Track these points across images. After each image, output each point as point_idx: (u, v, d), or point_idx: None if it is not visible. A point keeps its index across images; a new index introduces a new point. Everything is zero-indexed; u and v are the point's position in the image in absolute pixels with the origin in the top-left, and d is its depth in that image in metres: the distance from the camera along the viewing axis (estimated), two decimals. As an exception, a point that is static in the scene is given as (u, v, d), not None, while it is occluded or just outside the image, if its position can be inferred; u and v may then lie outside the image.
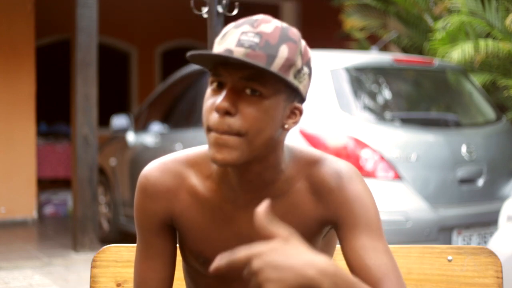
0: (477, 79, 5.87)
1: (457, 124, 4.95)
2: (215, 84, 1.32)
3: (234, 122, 1.28)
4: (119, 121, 6.42)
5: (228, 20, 2.78)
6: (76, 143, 6.20)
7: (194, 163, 1.45)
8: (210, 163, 1.43)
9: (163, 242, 1.47)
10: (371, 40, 7.47)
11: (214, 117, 1.29)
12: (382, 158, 4.29)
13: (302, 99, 1.36)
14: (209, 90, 1.34)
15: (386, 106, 4.87)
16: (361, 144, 4.28)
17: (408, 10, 7.16)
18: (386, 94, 4.98)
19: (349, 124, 4.38)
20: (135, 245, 1.74)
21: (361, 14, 7.59)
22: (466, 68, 5.67)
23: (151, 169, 1.46)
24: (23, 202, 7.97)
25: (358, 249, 1.34)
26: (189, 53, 1.30)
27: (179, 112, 6.32)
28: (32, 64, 8.01)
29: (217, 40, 1.35)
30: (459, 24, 6.09)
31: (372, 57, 5.11)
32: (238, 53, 1.28)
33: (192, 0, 2.74)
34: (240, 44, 1.28)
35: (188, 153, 1.47)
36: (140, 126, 6.51)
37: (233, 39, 1.30)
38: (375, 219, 1.38)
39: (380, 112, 4.71)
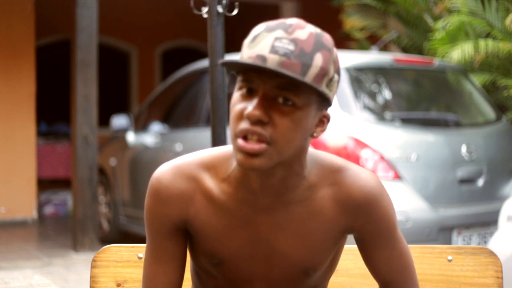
0: (477, 79, 5.87)
1: (457, 124, 4.95)
2: (244, 90, 1.28)
3: (265, 131, 1.26)
4: (119, 121, 6.41)
5: (228, 20, 2.78)
6: (76, 143, 6.20)
7: (209, 166, 1.41)
8: (227, 166, 1.40)
9: (174, 246, 1.44)
10: (371, 40, 7.47)
11: (244, 125, 1.26)
12: (382, 158, 4.29)
13: (329, 106, 1.35)
14: (237, 95, 1.30)
15: (386, 106, 4.87)
16: (361, 144, 4.28)
17: (408, 10, 7.16)
18: (386, 94, 4.98)
19: (349, 124, 4.38)
20: (135, 245, 1.74)
21: (361, 14, 7.58)
22: (466, 68, 5.67)
23: (164, 171, 1.41)
24: (23, 202, 7.97)
25: (375, 258, 1.45)
26: (222, 60, 1.27)
27: (179, 112, 6.32)
28: (32, 64, 8.00)
29: (247, 42, 1.30)
30: (459, 24, 6.09)
31: (372, 57, 5.11)
32: (273, 60, 1.24)
33: (192, 0, 2.74)
34: (274, 51, 1.24)
35: (203, 156, 1.43)
36: (140, 126, 6.51)
37: (266, 44, 1.26)
38: (394, 223, 1.44)
39: (380, 112, 4.71)
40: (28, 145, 8.00)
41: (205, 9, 2.76)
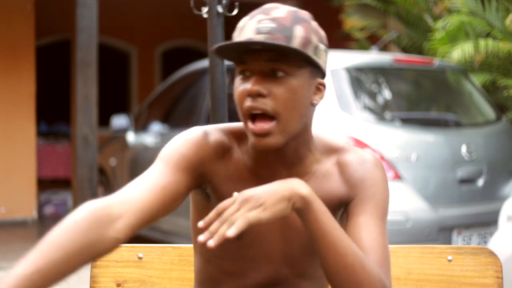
0: (477, 79, 5.87)
1: (457, 124, 4.95)
2: (241, 74, 1.41)
3: (267, 104, 1.37)
4: (119, 121, 6.41)
5: (228, 20, 2.78)
6: (76, 143, 6.20)
7: (237, 136, 1.50)
8: (247, 140, 1.48)
9: (173, 178, 1.42)
10: (371, 40, 7.46)
11: (247, 103, 1.38)
12: (382, 158, 4.29)
13: (323, 75, 1.46)
14: (237, 80, 1.42)
15: (386, 106, 4.87)
16: (361, 144, 4.28)
17: (408, 10, 7.16)
18: (386, 94, 4.98)
19: (349, 124, 4.38)
20: (135, 245, 1.74)
21: (361, 14, 7.58)
22: (466, 68, 5.66)
23: (209, 128, 1.49)
24: (23, 202, 7.96)
25: (359, 222, 1.44)
26: (214, 47, 1.38)
27: (179, 112, 6.32)
28: (32, 64, 8.00)
29: (235, 34, 1.42)
30: (459, 24, 6.09)
31: (372, 57, 5.11)
32: (259, 39, 1.37)
33: (192, 0, 2.74)
34: (258, 31, 1.38)
35: (231, 126, 1.52)
36: (140, 126, 6.51)
37: (250, 29, 1.39)
38: (384, 206, 1.47)
39: (380, 112, 4.71)
40: (28, 145, 8.00)
41: (205, 9, 2.75)
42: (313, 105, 1.44)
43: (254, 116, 1.39)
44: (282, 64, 1.37)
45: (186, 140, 1.47)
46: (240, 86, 1.40)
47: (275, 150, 1.43)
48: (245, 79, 1.40)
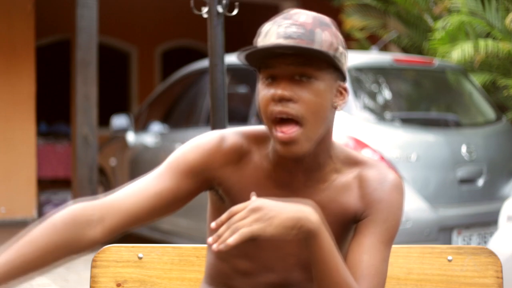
0: (477, 79, 5.87)
1: (457, 124, 4.94)
2: (267, 79, 1.39)
3: (295, 107, 1.37)
4: (119, 121, 6.41)
5: (228, 20, 2.77)
6: (76, 143, 6.20)
7: (258, 140, 1.50)
8: (267, 144, 1.48)
9: (172, 183, 1.45)
10: (371, 40, 7.46)
11: (276, 107, 1.38)
12: (382, 158, 4.29)
13: (344, 79, 1.47)
14: (261, 86, 1.41)
15: (386, 106, 4.87)
16: (361, 144, 4.28)
17: (408, 10, 7.16)
18: (386, 94, 4.98)
19: (349, 124, 4.38)
20: (135, 245, 1.74)
21: (361, 14, 7.58)
22: (466, 68, 5.66)
23: (227, 132, 1.49)
24: (23, 202, 7.96)
25: (363, 244, 1.43)
26: (244, 50, 1.37)
27: (179, 112, 6.32)
28: (32, 64, 8.00)
29: (259, 39, 1.42)
30: (459, 24, 6.09)
31: (372, 57, 5.11)
32: (289, 43, 1.37)
33: (192, 0, 2.73)
34: (287, 36, 1.38)
35: (253, 129, 1.52)
36: (140, 126, 6.50)
37: (278, 34, 1.39)
38: (393, 231, 1.46)
39: (380, 112, 4.71)
40: (28, 145, 7.99)
41: (205, 9, 2.75)
42: (336, 109, 1.45)
43: (279, 120, 1.39)
44: (310, 69, 1.38)
45: (196, 146, 1.48)
46: (266, 91, 1.40)
47: (299, 157, 1.42)
48: (271, 84, 1.40)
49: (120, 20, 10.54)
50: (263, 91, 1.40)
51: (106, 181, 6.95)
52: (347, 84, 4.58)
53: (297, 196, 1.44)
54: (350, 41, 7.90)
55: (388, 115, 4.69)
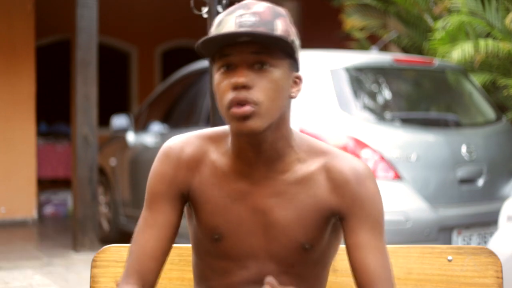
0: (477, 79, 5.87)
1: (457, 124, 4.94)
2: (224, 67, 1.41)
3: (250, 94, 1.38)
4: (119, 121, 6.41)
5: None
6: (76, 143, 6.20)
7: (214, 140, 1.52)
8: (227, 141, 1.50)
9: (171, 212, 1.51)
10: (371, 40, 7.46)
11: (231, 94, 1.39)
12: (382, 158, 4.29)
13: (298, 68, 1.48)
14: (217, 75, 1.42)
15: (386, 106, 4.87)
16: (361, 144, 4.28)
17: (408, 10, 7.16)
18: (386, 94, 4.98)
19: (349, 124, 4.38)
20: (135, 245, 1.74)
21: (361, 14, 7.58)
22: (466, 68, 5.66)
23: (175, 141, 1.53)
24: (23, 202, 7.96)
25: (361, 246, 1.44)
26: (202, 39, 1.37)
27: (179, 112, 6.32)
28: (32, 64, 8.00)
29: (213, 29, 1.43)
30: (459, 24, 6.09)
31: (372, 57, 5.11)
32: (246, 31, 1.37)
33: (192, 0, 2.74)
34: (241, 25, 1.39)
35: (208, 130, 1.55)
36: (140, 126, 6.51)
37: (231, 23, 1.40)
38: (381, 221, 1.47)
39: (380, 112, 4.71)
40: (28, 145, 8.00)
41: (205, 9, 2.76)
42: (291, 98, 1.46)
43: (236, 105, 1.40)
44: (267, 57, 1.39)
45: (156, 174, 1.52)
46: (223, 79, 1.41)
47: (253, 142, 1.43)
48: (227, 72, 1.40)
49: (120, 20, 10.54)
50: (220, 80, 1.41)
51: (106, 181, 6.95)
52: (347, 84, 4.61)
53: (260, 187, 1.47)
54: (350, 41, 7.90)
55: (388, 115, 4.69)
